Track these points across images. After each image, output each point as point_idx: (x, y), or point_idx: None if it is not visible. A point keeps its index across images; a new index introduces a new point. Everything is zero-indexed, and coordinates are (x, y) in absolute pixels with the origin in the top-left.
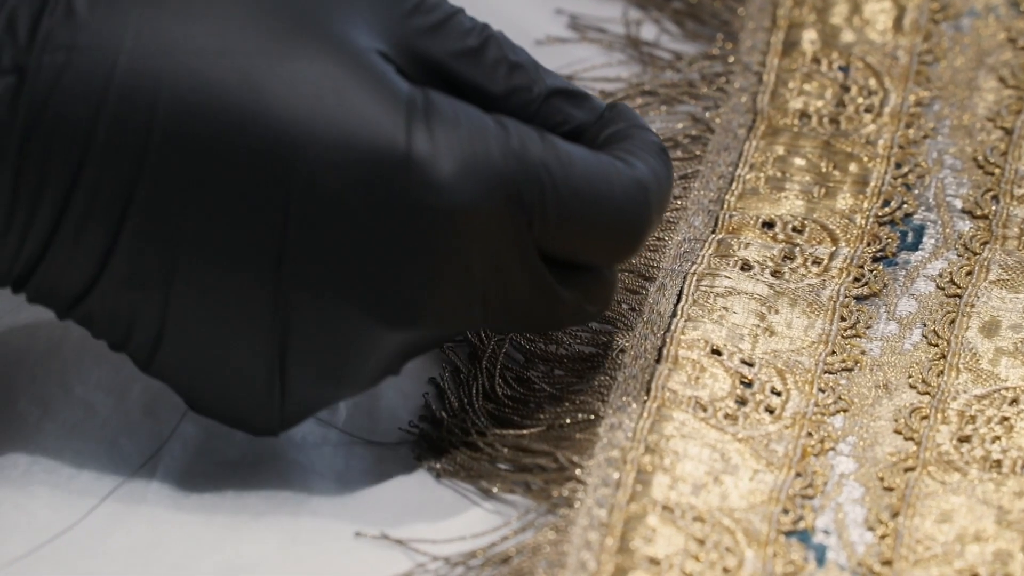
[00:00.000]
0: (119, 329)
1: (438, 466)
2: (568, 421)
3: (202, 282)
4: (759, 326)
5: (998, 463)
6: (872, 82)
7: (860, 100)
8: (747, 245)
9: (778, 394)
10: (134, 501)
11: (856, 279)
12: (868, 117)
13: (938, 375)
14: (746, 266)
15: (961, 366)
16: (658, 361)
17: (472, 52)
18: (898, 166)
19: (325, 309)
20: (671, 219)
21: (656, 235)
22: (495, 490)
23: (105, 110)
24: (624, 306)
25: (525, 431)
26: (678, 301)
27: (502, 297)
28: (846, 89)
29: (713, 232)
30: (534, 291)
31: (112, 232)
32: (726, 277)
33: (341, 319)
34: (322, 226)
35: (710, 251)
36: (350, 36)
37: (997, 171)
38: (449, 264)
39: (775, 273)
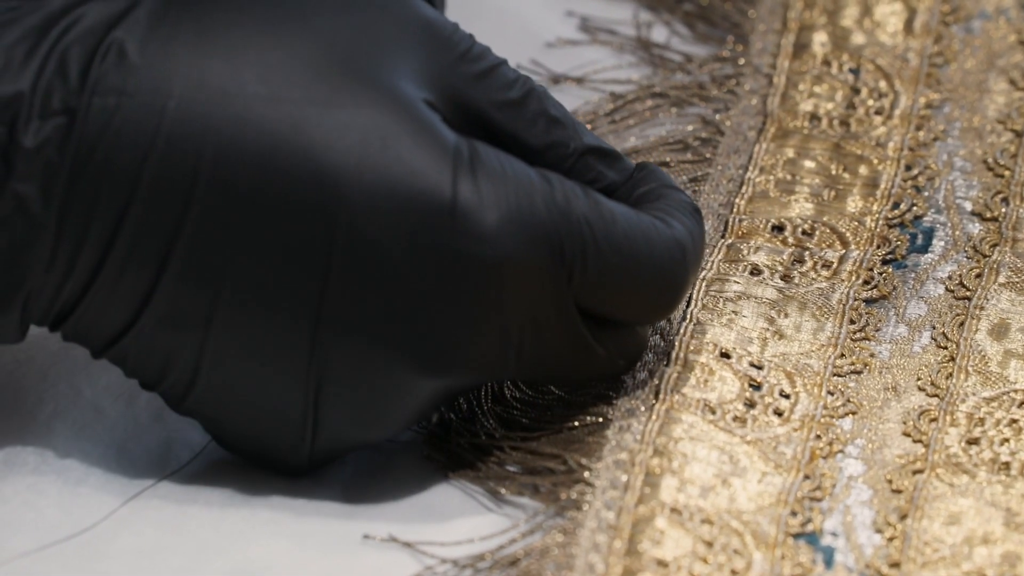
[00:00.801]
0: (153, 369)
1: (447, 468)
2: (576, 424)
3: (241, 325)
4: (768, 329)
5: (1007, 465)
6: (882, 84)
7: (870, 102)
8: (757, 249)
9: (787, 397)
10: (141, 504)
11: (866, 281)
12: (878, 119)
13: (947, 377)
14: (755, 271)
15: (970, 368)
16: (667, 364)
17: (514, 104)
18: (908, 168)
19: (363, 355)
20: None
21: None
22: (503, 492)
23: (153, 155)
24: None
25: (534, 434)
26: (687, 306)
27: (537, 349)
28: (856, 91)
29: (723, 237)
30: (569, 345)
31: (154, 275)
32: (735, 282)
33: (378, 365)
34: (364, 273)
35: (719, 256)
36: (397, 84)
37: (1007, 173)
38: (489, 315)
39: (785, 277)
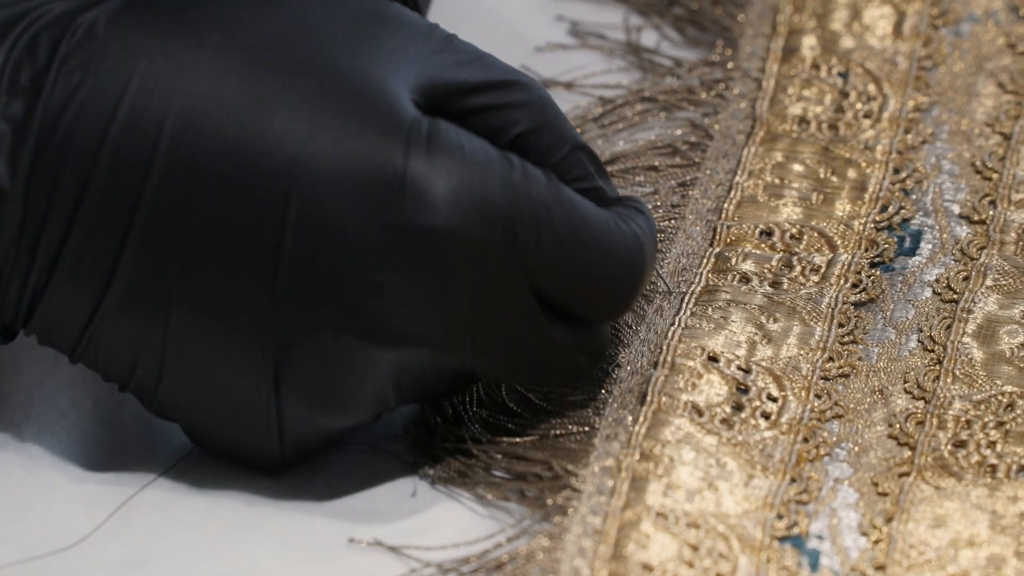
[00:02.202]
0: (123, 363)
1: (432, 473)
2: (563, 432)
3: (199, 309)
4: (757, 334)
5: (993, 468)
6: (871, 87)
7: (859, 106)
8: (745, 257)
9: (774, 400)
10: (127, 511)
11: (854, 285)
12: (867, 123)
13: (934, 380)
14: (744, 279)
15: (957, 372)
16: (655, 367)
17: (499, 85)
18: (896, 171)
19: (317, 330)
20: (669, 228)
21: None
22: (490, 497)
23: (113, 130)
24: (622, 323)
25: (520, 439)
26: (677, 311)
27: (493, 334)
28: (845, 95)
29: (711, 245)
30: (526, 331)
31: (114, 253)
32: (725, 291)
33: (332, 340)
34: (316, 243)
35: (707, 267)
36: (356, 64)
37: (995, 176)
38: (440, 287)
39: (774, 283)
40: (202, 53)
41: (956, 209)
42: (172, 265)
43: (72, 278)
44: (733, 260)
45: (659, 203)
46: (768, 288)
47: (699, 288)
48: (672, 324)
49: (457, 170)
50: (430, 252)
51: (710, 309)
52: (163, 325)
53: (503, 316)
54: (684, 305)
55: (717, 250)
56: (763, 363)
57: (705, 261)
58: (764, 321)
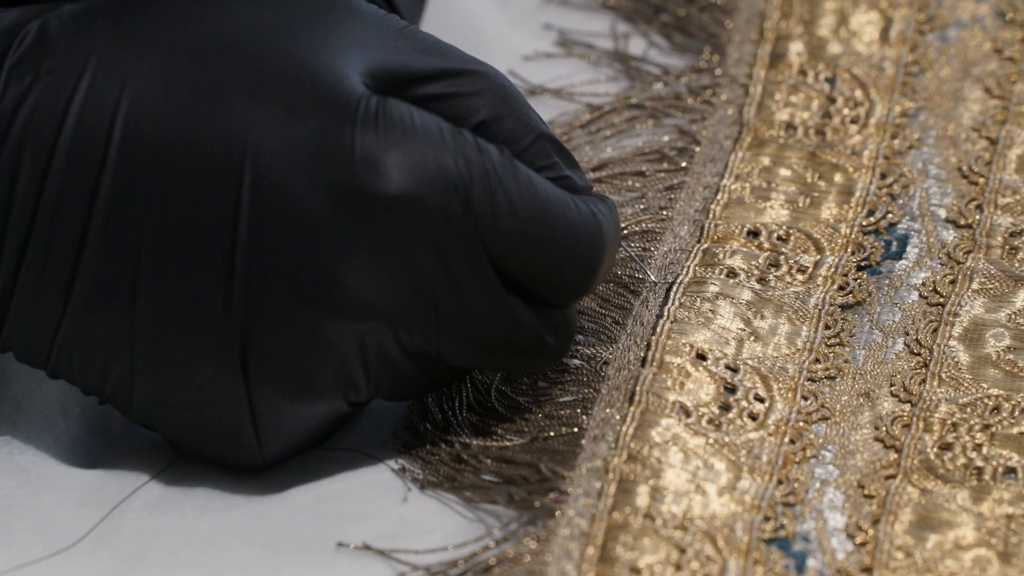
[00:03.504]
0: (96, 367)
1: (421, 476)
2: (552, 434)
3: (164, 292)
4: (744, 330)
5: (979, 471)
6: (858, 93)
7: (846, 111)
8: (732, 253)
9: (761, 401)
10: (115, 518)
11: (841, 287)
12: (854, 128)
13: (920, 383)
14: (732, 273)
15: (943, 375)
16: (642, 365)
17: (458, 73)
18: (883, 176)
19: (276, 305)
20: (657, 229)
21: (641, 246)
22: (478, 501)
23: (67, 125)
24: (608, 319)
25: (508, 443)
26: (664, 303)
27: (455, 309)
28: (832, 100)
29: (699, 241)
30: (487, 304)
31: (75, 249)
32: (712, 284)
33: (292, 314)
34: (271, 218)
35: (695, 261)
36: (311, 51)
37: (981, 180)
38: (392, 254)
39: (760, 280)
40: (151, 48)
41: (943, 213)
42: (133, 254)
43: (38, 279)
44: (720, 255)
45: (646, 207)
46: (756, 284)
47: (687, 279)
48: (660, 316)
49: (408, 140)
50: (383, 220)
51: (698, 301)
52: (130, 319)
53: (462, 288)
54: (672, 296)
55: (705, 246)
56: (751, 362)
57: (692, 256)
58: (751, 317)
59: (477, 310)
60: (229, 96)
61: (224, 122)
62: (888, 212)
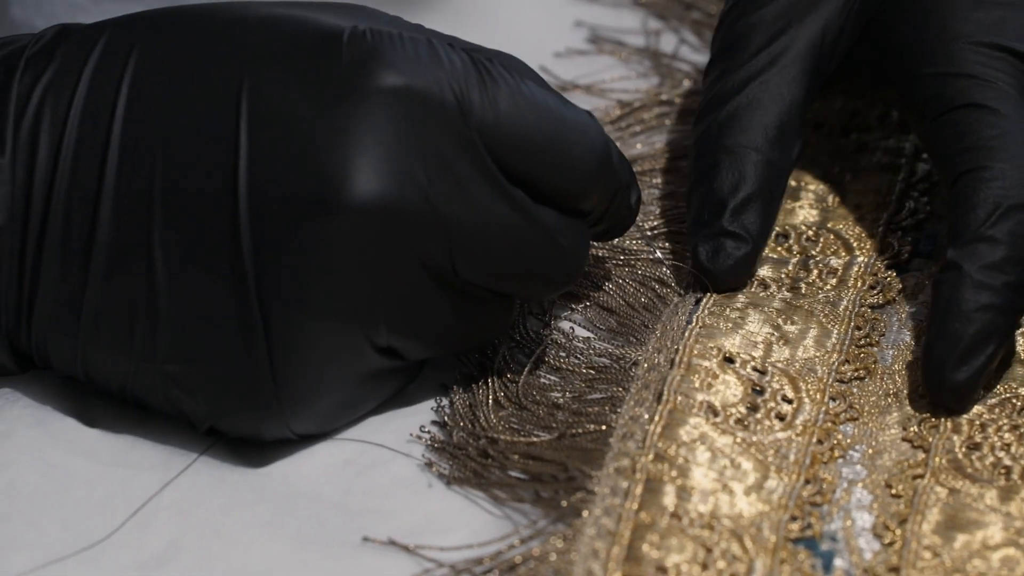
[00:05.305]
0: (121, 333)
1: (448, 472)
2: (579, 431)
3: (175, 240)
4: (773, 335)
5: (1007, 470)
6: None
7: (872, 113)
8: (762, 263)
9: (789, 401)
10: (143, 515)
11: (871, 287)
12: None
13: None
14: (763, 285)
15: None
16: (671, 366)
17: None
18: (912, 174)
19: (282, 221)
20: (685, 231)
21: (671, 247)
22: (504, 498)
23: (79, 90)
24: (637, 321)
25: (536, 439)
26: (694, 311)
27: (461, 209)
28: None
29: None
30: (493, 200)
31: (91, 208)
32: (742, 295)
33: (299, 227)
34: (269, 140)
35: None
36: (313, 12)
37: None
38: (389, 145)
39: (792, 289)
40: (161, 20)
41: None
42: (145, 206)
43: (62, 247)
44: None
45: (676, 205)
46: (787, 293)
47: (717, 296)
48: (689, 323)
49: (398, 45)
50: (378, 113)
51: (728, 310)
52: (148, 273)
53: (464, 183)
54: (703, 305)
55: None
56: (779, 364)
57: None
58: (781, 323)
59: (483, 207)
60: (228, 43)
61: (222, 64)
62: (917, 209)
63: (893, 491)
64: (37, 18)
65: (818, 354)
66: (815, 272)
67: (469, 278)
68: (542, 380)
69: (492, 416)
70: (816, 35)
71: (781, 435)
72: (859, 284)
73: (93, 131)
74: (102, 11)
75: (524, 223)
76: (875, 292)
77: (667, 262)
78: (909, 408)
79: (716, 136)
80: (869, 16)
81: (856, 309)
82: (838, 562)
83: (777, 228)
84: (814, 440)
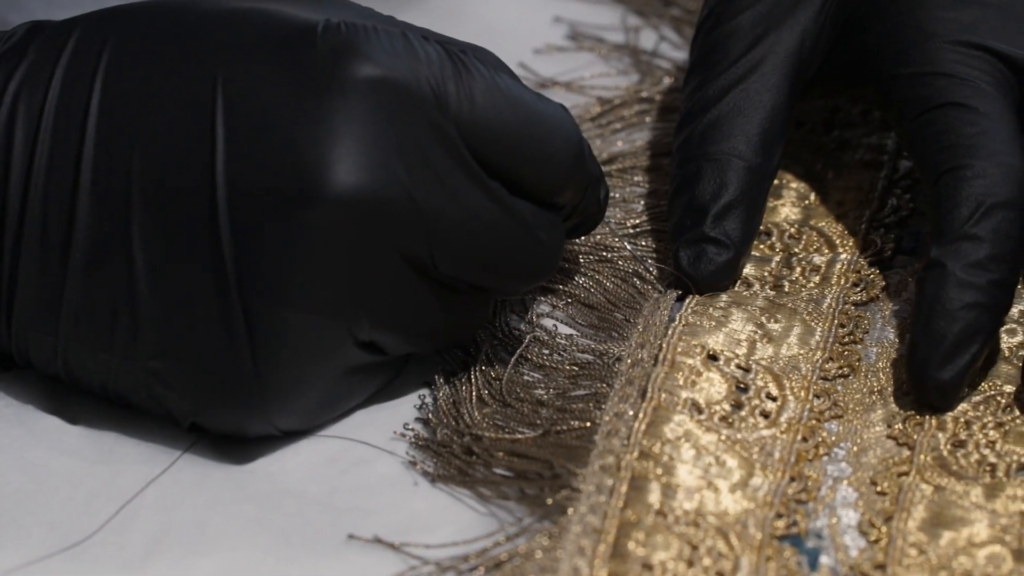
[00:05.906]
0: (102, 328)
1: (432, 470)
2: (564, 428)
3: (154, 233)
4: (757, 332)
5: (992, 468)
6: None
7: (854, 110)
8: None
9: (774, 399)
10: (127, 513)
11: (854, 284)
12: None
13: None
14: (746, 283)
15: None
16: (655, 364)
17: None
18: (895, 171)
19: (260, 211)
20: (666, 228)
21: (651, 245)
22: (490, 496)
23: (53, 83)
24: (618, 316)
25: (520, 437)
26: (677, 309)
27: (440, 200)
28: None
29: None
30: (470, 191)
31: (68, 203)
32: (725, 295)
33: (276, 216)
34: (246, 131)
35: None
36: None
37: None
38: (356, 129)
39: (775, 287)
40: (135, 14)
41: None
42: (123, 200)
43: (40, 244)
44: None
45: (658, 203)
46: (770, 292)
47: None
48: (673, 320)
49: (373, 37)
50: (356, 103)
51: (711, 308)
52: (127, 267)
53: (441, 175)
54: (685, 304)
55: None
56: (763, 362)
57: None
58: (765, 321)
59: (461, 198)
60: (202, 37)
61: (197, 57)
62: (899, 206)
63: (878, 488)
64: (12, 13)
65: (802, 352)
66: (798, 270)
67: (447, 270)
68: (525, 377)
69: (476, 413)
70: (795, 40)
71: (766, 432)
72: (842, 281)
73: (68, 126)
74: (78, 6)
75: (503, 215)
76: (858, 289)
77: (650, 261)
78: (894, 405)
79: (698, 143)
80: (846, 18)
81: (839, 306)
82: (824, 559)
83: (760, 227)
84: (799, 438)
